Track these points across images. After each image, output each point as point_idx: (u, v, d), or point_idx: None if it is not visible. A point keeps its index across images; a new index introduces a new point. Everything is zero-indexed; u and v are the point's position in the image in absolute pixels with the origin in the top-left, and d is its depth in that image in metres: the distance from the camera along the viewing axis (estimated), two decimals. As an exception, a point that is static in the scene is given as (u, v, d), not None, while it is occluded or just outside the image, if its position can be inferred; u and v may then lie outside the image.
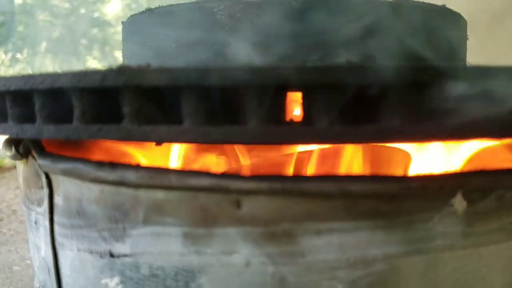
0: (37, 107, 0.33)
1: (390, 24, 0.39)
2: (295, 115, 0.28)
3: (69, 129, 0.31)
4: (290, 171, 0.34)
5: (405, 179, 0.30)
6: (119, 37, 0.49)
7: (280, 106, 0.27)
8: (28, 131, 0.33)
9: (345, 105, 0.26)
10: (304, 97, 0.27)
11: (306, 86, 0.27)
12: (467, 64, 0.47)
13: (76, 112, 0.31)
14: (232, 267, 0.31)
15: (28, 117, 0.34)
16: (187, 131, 0.28)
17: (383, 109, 0.26)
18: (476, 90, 0.25)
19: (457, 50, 0.46)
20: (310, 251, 0.31)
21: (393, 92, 0.26)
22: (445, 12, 0.45)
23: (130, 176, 0.32)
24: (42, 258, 0.41)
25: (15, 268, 1.86)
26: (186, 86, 0.28)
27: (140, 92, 0.29)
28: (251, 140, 0.27)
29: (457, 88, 0.25)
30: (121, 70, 0.28)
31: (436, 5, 0.44)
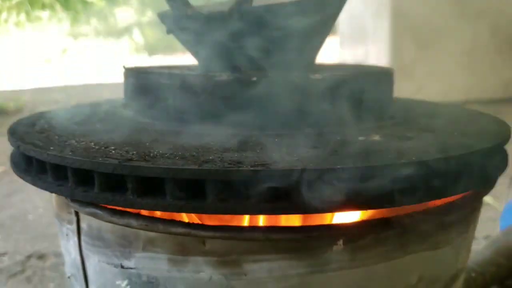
0: (69, 173, 0.50)
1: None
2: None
3: (92, 195, 0.48)
4: (244, 220, 0.52)
5: (307, 229, 0.48)
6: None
7: (226, 190, 0.45)
8: (64, 192, 0.50)
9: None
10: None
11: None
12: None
13: (96, 184, 0.48)
14: (200, 280, 0.50)
15: (63, 177, 0.51)
16: (169, 204, 0.45)
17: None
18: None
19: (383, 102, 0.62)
20: (249, 272, 0.49)
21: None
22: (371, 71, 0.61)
23: (133, 222, 0.50)
24: (73, 259, 0.60)
25: (30, 216, 2.10)
26: (167, 177, 0.45)
27: (139, 177, 0.46)
28: (209, 212, 0.45)
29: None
30: (125, 165, 0.45)
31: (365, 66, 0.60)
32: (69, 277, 0.64)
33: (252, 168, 0.43)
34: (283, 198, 0.44)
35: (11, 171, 2.34)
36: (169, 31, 0.67)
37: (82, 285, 0.59)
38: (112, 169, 0.46)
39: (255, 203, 0.44)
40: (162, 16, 0.68)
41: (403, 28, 3.20)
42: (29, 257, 1.61)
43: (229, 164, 0.44)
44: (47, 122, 0.64)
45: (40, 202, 2.04)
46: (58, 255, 1.62)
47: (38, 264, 1.57)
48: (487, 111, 0.73)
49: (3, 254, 1.65)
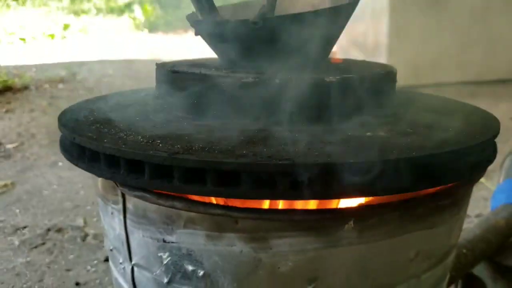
0: (122, 163, 0.59)
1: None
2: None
3: (143, 182, 0.57)
4: (268, 203, 0.62)
5: (322, 211, 0.58)
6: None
7: (257, 179, 0.54)
8: (117, 178, 0.60)
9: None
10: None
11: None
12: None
13: (146, 172, 0.57)
14: (232, 252, 0.60)
15: (115, 165, 0.60)
16: (209, 189, 0.55)
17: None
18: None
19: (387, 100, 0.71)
20: (274, 246, 0.59)
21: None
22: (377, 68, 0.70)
23: (177, 204, 0.59)
24: (117, 234, 0.69)
25: (45, 192, 2.20)
26: (206, 167, 0.54)
27: (185, 168, 0.55)
28: (242, 197, 0.55)
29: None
30: (174, 158, 0.54)
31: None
32: (111, 250, 0.74)
33: (280, 162, 0.53)
34: (304, 187, 0.53)
35: (22, 148, 2.49)
36: (197, 34, 0.75)
37: (125, 256, 0.69)
38: (163, 161, 0.55)
39: (283, 191, 0.53)
40: (190, 19, 0.76)
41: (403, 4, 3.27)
42: (48, 230, 1.71)
43: (260, 158, 0.54)
44: (91, 114, 0.73)
45: (53, 179, 2.14)
46: (75, 228, 1.73)
47: (57, 237, 1.67)
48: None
49: (24, 227, 1.75)
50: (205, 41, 0.77)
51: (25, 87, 3.43)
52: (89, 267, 1.47)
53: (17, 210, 1.86)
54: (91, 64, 4.04)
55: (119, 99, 0.82)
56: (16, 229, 1.69)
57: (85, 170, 0.64)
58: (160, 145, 0.58)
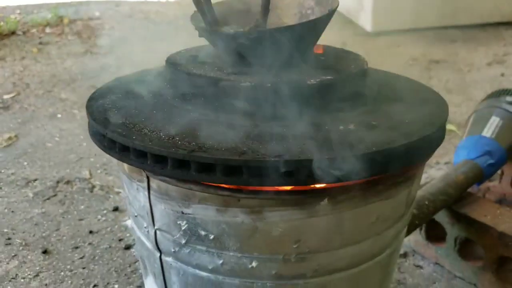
0: (149, 156, 0.78)
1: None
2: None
3: (166, 171, 0.77)
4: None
5: (304, 191, 0.78)
6: None
7: (256, 171, 0.74)
8: (145, 167, 0.79)
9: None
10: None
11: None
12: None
13: (169, 164, 0.77)
14: (236, 222, 0.81)
15: (142, 156, 0.79)
16: (218, 179, 0.75)
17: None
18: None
19: (359, 94, 0.90)
20: (268, 217, 0.80)
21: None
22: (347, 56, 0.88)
23: (193, 187, 0.79)
24: (142, 205, 0.90)
25: (48, 145, 2.40)
26: (216, 163, 0.74)
27: (198, 161, 0.74)
28: (244, 185, 0.75)
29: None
30: (192, 155, 0.74)
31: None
32: (136, 216, 0.95)
33: (273, 159, 0.72)
34: (291, 177, 0.73)
35: (19, 98, 2.72)
36: (200, 35, 0.92)
37: (149, 222, 0.90)
38: (182, 157, 0.75)
39: (274, 179, 0.74)
40: (194, 20, 0.93)
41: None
42: (57, 182, 1.92)
43: (257, 155, 0.74)
44: (114, 106, 0.91)
45: (54, 131, 2.31)
46: (82, 180, 1.93)
47: (67, 189, 1.88)
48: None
49: (34, 180, 1.95)
50: (208, 41, 0.94)
51: (12, 32, 3.51)
52: (99, 217, 1.69)
53: (25, 163, 2.04)
54: (77, 6, 4.10)
55: (134, 86, 0.99)
56: (28, 182, 1.89)
57: (117, 159, 0.83)
58: (179, 142, 0.78)
